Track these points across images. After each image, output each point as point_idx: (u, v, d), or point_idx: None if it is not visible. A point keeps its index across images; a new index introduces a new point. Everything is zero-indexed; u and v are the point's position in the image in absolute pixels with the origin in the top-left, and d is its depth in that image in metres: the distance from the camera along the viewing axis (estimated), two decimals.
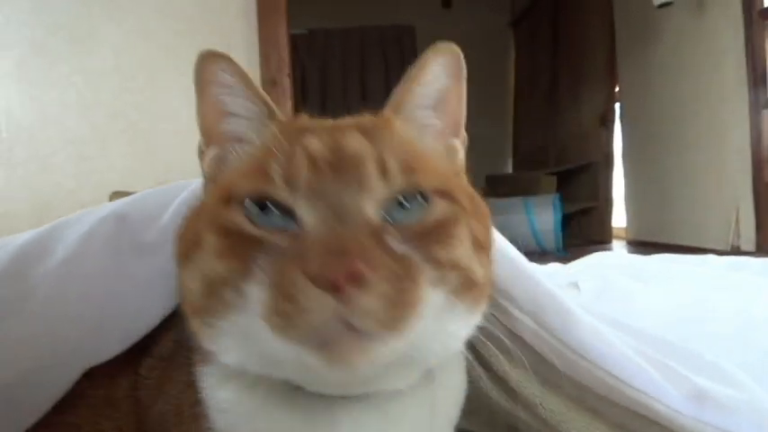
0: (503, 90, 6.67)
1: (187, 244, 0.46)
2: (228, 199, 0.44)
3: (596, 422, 0.52)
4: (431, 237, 0.42)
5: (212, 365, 0.48)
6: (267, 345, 0.39)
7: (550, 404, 0.54)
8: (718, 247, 3.64)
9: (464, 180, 0.52)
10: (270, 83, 2.97)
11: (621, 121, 4.83)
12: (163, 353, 0.55)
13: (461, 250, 0.43)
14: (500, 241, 0.55)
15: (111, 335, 0.53)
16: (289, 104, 3.04)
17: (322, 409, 0.46)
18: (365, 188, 0.42)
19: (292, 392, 0.46)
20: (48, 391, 0.50)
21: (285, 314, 0.37)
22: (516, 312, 0.53)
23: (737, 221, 3.58)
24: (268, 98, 0.51)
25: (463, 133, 0.54)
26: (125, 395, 0.53)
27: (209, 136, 0.52)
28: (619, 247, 4.90)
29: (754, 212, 3.47)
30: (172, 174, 2.91)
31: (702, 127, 3.80)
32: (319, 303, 0.36)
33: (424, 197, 0.43)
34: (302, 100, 3.08)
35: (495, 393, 0.58)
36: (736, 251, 3.57)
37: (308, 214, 0.41)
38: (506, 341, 0.47)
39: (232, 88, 0.50)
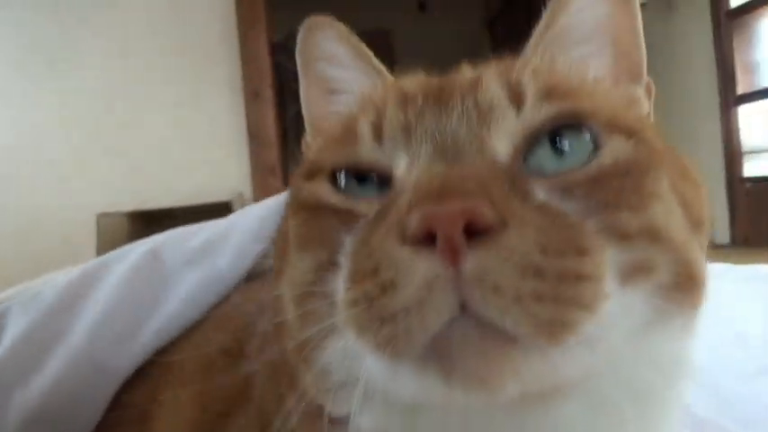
0: None
1: (279, 252, 0.35)
2: (312, 173, 0.33)
3: None
4: (608, 191, 0.27)
5: None
6: (370, 366, 0.27)
7: None
8: None
9: (657, 135, 0.36)
10: (252, 95, 2.99)
11: None
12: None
13: (663, 214, 0.29)
14: None
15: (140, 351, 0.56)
16: (271, 114, 3.06)
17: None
18: (487, 117, 0.29)
19: None
20: (91, 407, 0.53)
21: (366, 299, 0.25)
22: None
23: (712, 216, 3.69)
24: (381, 66, 0.40)
25: (646, 78, 0.40)
26: None
27: (316, 125, 0.41)
28: None
29: (727, 207, 3.59)
30: (156, 193, 2.91)
31: (675, 124, 3.91)
32: (412, 268, 0.23)
33: (595, 139, 0.29)
34: (281, 104, 3.11)
35: None
36: (711, 244, 3.68)
37: (404, 165, 0.29)
38: None
39: (339, 59, 0.39)
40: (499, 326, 0.23)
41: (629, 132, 0.30)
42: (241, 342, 0.45)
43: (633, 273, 0.26)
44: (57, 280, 0.63)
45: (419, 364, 0.25)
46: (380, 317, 0.24)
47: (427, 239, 0.23)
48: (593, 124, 0.29)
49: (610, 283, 0.25)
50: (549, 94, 0.30)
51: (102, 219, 2.49)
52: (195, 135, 2.98)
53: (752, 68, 3.39)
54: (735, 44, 3.42)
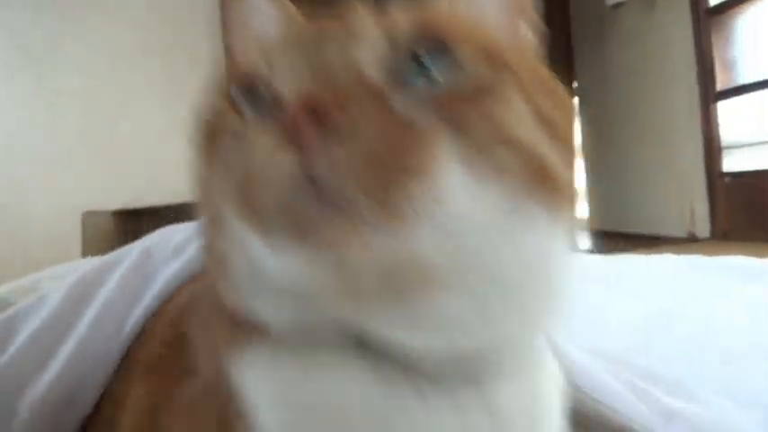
0: None
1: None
2: (215, 98, 0.37)
3: None
4: (461, 100, 0.31)
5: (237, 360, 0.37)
6: (251, 252, 0.30)
7: None
8: (676, 235, 3.82)
9: (534, 64, 0.39)
10: None
11: (580, 117, 4.99)
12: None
13: (512, 120, 0.32)
14: None
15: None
16: None
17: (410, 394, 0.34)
18: (355, 40, 0.32)
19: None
20: (88, 396, 0.56)
21: (237, 185, 0.29)
22: None
23: (693, 210, 3.76)
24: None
25: (531, 13, 0.43)
26: None
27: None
28: (582, 236, 5.07)
29: (707, 201, 3.66)
30: (142, 192, 2.92)
31: (657, 120, 3.98)
32: (276, 161, 0.27)
33: (458, 60, 0.32)
34: None
35: None
36: (692, 238, 3.76)
37: (284, 83, 0.32)
38: None
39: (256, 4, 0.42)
40: (341, 197, 0.27)
41: (491, 56, 0.33)
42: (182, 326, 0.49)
43: (483, 167, 0.30)
44: (63, 281, 0.65)
45: (285, 242, 0.28)
46: (248, 198, 0.28)
47: (284, 130, 0.27)
48: (457, 49, 0.32)
49: (454, 173, 0.29)
50: (419, 23, 0.33)
51: (88, 217, 2.49)
52: (181, 134, 2.98)
53: (730, 65, 3.46)
54: (713, 41, 3.48)
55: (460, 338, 0.32)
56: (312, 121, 0.26)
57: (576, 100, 5.05)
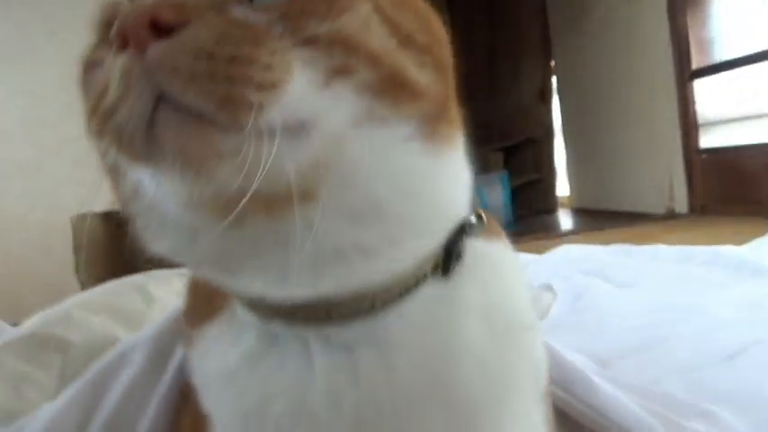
0: None
1: None
2: (88, 49, 0.38)
3: None
4: (301, 7, 0.30)
5: (194, 346, 0.41)
6: (143, 185, 0.31)
7: None
8: (655, 211, 3.92)
9: None
10: None
11: (559, 96, 5.05)
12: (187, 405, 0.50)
13: (358, 27, 0.31)
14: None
15: None
16: None
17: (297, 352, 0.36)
18: None
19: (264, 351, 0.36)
20: None
21: (93, 108, 0.29)
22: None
23: (671, 186, 3.86)
24: None
25: None
26: None
27: None
28: (564, 214, 5.16)
29: (685, 177, 3.76)
30: None
31: (635, 99, 4.05)
32: (115, 69, 0.27)
33: None
34: None
35: None
36: (671, 213, 3.86)
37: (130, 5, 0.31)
38: None
39: None
40: (185, 105, 0.26)
41: None
42: None
43: (333, 73, 0.29)
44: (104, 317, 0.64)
45: (148, 160, 0.28)
46: (103, 117, 0.28)
47: (123, 43, 0.27)
48: None
49: (300, 76, 0.28)
50: None
51: (77, 221, 2.45)
52: None
53: (706, 44, 3.52)
54: (689, 21, 3.54)
55: (334, 261, 0.32)
56: (145, 22, 0.26)
57: (554, 79, 5.10)
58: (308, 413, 0.34)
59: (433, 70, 0.35)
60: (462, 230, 0.38)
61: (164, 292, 1.12)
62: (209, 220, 0.30)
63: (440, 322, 0.36)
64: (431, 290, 0.37)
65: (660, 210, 3.91)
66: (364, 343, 0.35)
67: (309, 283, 0.33)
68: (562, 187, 5.33)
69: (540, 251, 2.17)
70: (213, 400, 0.39)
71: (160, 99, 0.26)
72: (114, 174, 0.33)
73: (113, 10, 0.35)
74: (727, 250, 1.37)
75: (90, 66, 0.36)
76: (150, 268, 2.70)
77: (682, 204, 3.82)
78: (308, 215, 0.29)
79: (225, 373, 0.37)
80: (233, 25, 0.28)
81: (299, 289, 0.33)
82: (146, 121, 0.26)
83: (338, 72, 0.30)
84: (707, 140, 3.62)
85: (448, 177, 0.36)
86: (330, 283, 0.33)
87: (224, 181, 0.27)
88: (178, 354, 0.57)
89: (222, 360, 0.38)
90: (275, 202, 0.29)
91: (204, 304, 0.41)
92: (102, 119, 0.28)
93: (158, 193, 0.30)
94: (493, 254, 0.41)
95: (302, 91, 0.28)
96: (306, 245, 0.30)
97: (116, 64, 0.27)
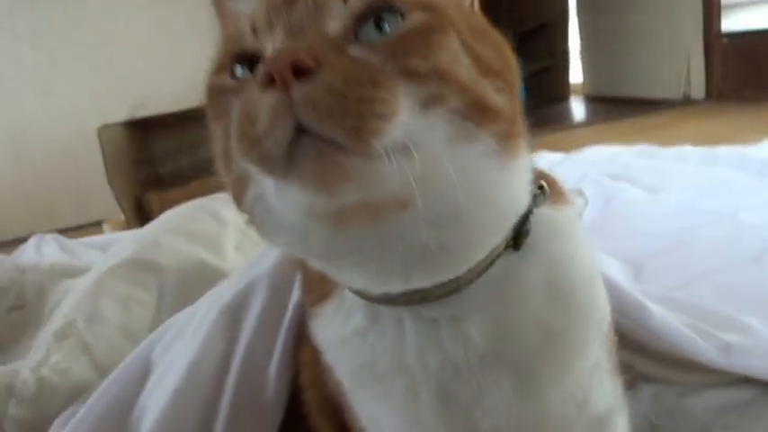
0: None
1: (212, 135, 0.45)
2: (218, 70, 0.43)
3: (670, 368, 0.77)
4: (406, 46, 0.36)
5: (315, 317, 0.50)
6: (271, 201, 0.37)
7: (636, 362, 0.76)
8: (671, 96, 3.90)
9: (471, 14, 0.46)
10: None
11: None
12: (305, 337, 0.59)
13: (450, 61, 0.37)
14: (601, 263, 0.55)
15: None
16: None
17: (395, 323, 0.45)
18: (321, 8, 0.38)
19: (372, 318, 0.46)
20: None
21: (244, 134, 0.34)
22: None
23: (689, 71, 3.81)
24: None
25: None
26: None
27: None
28: (577, 102, 5.13)
29: (703, 62, 3.70)
30: (148, 100, 2.89)
31: None
32: (264, 104, 0.33)
33: (400, 14, 0.38)
34: None
35: None
36: (687, 99, 3.85)
37: (269, 50, 0.39)
38: None
39: None
40: (322, 135, 0.32)
41: (428, 7, 0.39)
42: None
43: (429, 102, 0.35)
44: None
45: (285, 178, 0.33)
46: (252, 142, 0.33)
47: (270, 81, 0.32)
48: (398, 5, 0.38)
49: (404, 105, 0.34)
50: None
51: (106, 132, 2.50)
52: (176, 34, 2.89)
53: None
54: None
55: (421, 261, 0.39)
56: (288, 66, 0.32)
57: None
58: (404, 369, 0.44)
59: (506, 93, 0.40)
60: (530, 210, 0.44)
61: (233, 215, 1.21)
62: (322, 225, 0.36)
63: (507, 294, 0.43)
64: (502, 262, 0.43)
65: (676, 96, 3.89)
66: (446, 317, 0.44)
67: (402, 280, 0.40)
68: (575, 74, 5.25)
69: (554, 144, 2.22)
70: (333, 357, 0.50)
71: (300, 130, 0.32)
72: (243, 180, 0.39)
73: (242, 44, 0.41)
74: (753, 152, 1.42)
75: (220, 90, 0.42)
76: (174, 179, 2.78)
77: (698, 90, 3.80)
78: (402, 221, 0.36)
79: (341, 340, 0.48)
80: (357, 67, 0.34)
81: (393, 285, 0.41)
82: (286, 147, 0.32)
83: (434, 101, 0.35)
84: (728, 24, 3.52)
85: (516, 182, 0.42)
86: (419, 279, 0.41)
87: (346, 195, 0.33)
88: (294, 293, 0.67)
89: (339, 332, 0.48)
90: (377, 210, 0.35)
91: (317, 287, 0.51)
92: (251, 144, 0.34)
93: (281, 201, 0.36)
94: (556, 220, 0.47)
95: (406, 118, 0.34)
96: (399, 246, 0.38)
97: (264, 100, 0.33)
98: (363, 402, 0.50)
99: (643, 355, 0.78)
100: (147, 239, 1.06)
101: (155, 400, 0.67)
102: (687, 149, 1.59)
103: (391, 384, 0.46)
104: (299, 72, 0.32)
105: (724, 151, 1.48)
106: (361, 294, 0.45)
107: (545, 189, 0.47)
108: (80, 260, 1.64)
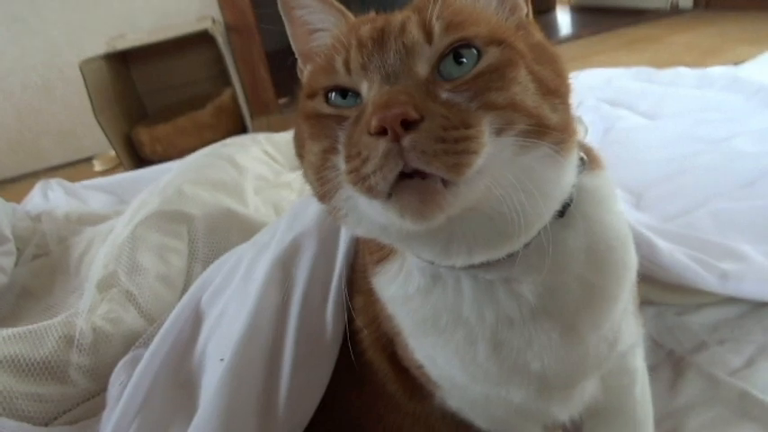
0: None
1: (298, 143, 0.52)
2: (312, 94, 0.49)
3: (671, 293, 0.86)
4: (485, 82, 0.42)
5: (377, 274, 0.57)
6: (362, 207, 0.43)
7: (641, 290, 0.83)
8: (659, 6, 3.85)
9: (530, 32, 0.51)
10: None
11: None
12: (356, 286, 0.68)
13: (520, 92, 0.43)
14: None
15: None
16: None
17: (454, 286, 0.52)
18: (411, 52, 0.44)
19: (434, 280, 0.53)
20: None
21: (355, 169, 0.40)
22: None
23: None
24: (342, 7, 0.55)
25: None
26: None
27: (305, 55, 0.57)
28: (563, 13, 5.02)
29: None
30: (123, 24, 2.79)
31: None
32: (375, 148, 0.38)
33: (478, 51, 0.44)
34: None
35: None
36: (674, 8, 3.80)
37: (366, 87, 0.44)
38: None
39: (311, 7, 0.55)
40: (427, 173, 0.38)
41: (500, 42, 0.45)
42: None
43: (503, 128, 0.41)
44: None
45: (385, 204, 0.40)
46: (363, 177, 0.39)
47: (382, 131, 0.38)
48: (476, 43, 0.45)
49: (488, 137, 0.40)
50: (448, 28, 0.45)
51: (85, 65, 2.42)
52: None
53: None
54: None
55: (485, 246, 0.46)
56: (398, 121, 0.38)
57: None
58: (463, 322, 0.52)
59: (561, 107, 0.46)
60: (573, 183, 0.50)
61: (248, 161, 1.24)
62: (409, 226, 0.42)
63: (554, 258, 0.49)
64: (548, 229, 0.48)
65: (664, 5, 3.84)
66: (500, 279, 0.50)
67: (466, 257, 0.47)
68: None
69: None
70: (395, 310, 0.57)
71: (404, 168, 0.38)
72: (335, 185, 0.45)
73: (335, 77, 0.47)
74: (746, 73, 1.46)
75: (317, 115, 0.48)
76: (163, 110, 2.74)
77: (686, 0, 3.74)
78: (469, 220, 0.44)
79: (404, 297, 0.55)
80: (452, 112, 0.40)
81: (458, 260, 0.47)
82: (392, 182, 0.39)
83: (506, 127, 0.41)
84: None
85: (568, 173, 0.48)
86: (481, 256, 0.47)
87: (436, 222, 0.40)
88: (341, 245, 0.72)
89: (402, 289, 0.55)
90: (459, 218, 0.42)
91: (378, 249, 0.58)
92: (361, 178, 0.40)
93: (374, 212, 0.42)
94: (594, 186, 0.53)
95: (490, 147, 0.40)
96: (466, 236, 0.45)
97: (377, 146, 0.39)
98: (423, 346, 0.57)
99: (648, 284, 0.87)
100: (171, 190, 1.09)
101: (218, 347, 0.74)
102: (682, 71, 1.62)
103: (452, 334, 0.53)
104: (407, 124, 0.38)
105: (718, 73, 1.51)
106: (428, 261, 0.51)
107: (584, 160, 0.53)
108: (88, 204, 1.67)
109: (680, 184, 1.15)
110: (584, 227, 0.51)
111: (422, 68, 0.44)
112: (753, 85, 1.37)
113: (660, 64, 1.95)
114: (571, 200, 0.50)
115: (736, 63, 1.83)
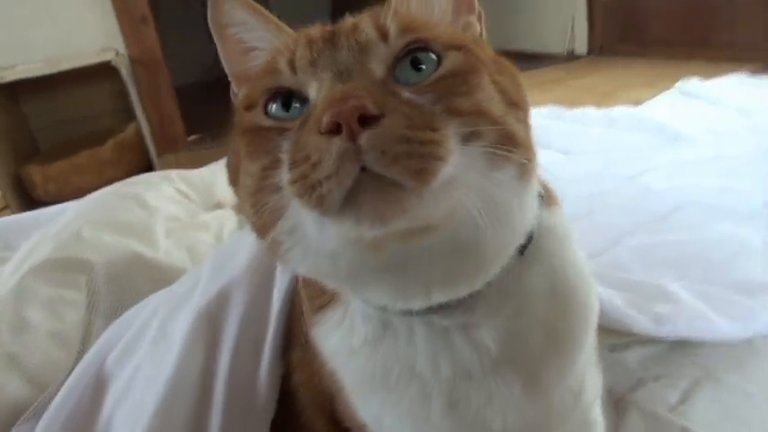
0: None
1: (232, 169, 0.46)
2: (249, 105, 0.44)
3: (607, 334, 0.84)
4: (448, 87, 0.39)
5: (317, 324, 0.51)
6: (309, 231, 0.38)
7: None
8: (556, 51, 4.12)
9: (486, 47, 0.47)
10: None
11: None
12: (294, 338, 0.62)
13: (486, 99, 0.39)
14: None
15: None
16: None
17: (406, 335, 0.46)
18: (365, 50, 0.40)
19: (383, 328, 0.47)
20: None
21: (303, 176, 0.35)
22: None
23: (573, 28, 4.02)
24: (281, 23, 0.50)
25: (478, 8, 0.51)
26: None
27: (239, 77, 0.51)
28: None
29: (587, 20, 3.92)
30: (15, 54, 2.57)
31: None
32: (328, 149, 0.34)
33: (438, 56, 0.41)
34: None
35: None
36: (571, 54, 4.08)
37: (315, 89, 0.40)
38: None
39: (247, 24, 0.50)
40: (387, 177, 0.33)
41: (460, 48, 0.42)
42: None
43: (470, 137, 0.37)
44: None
45: (339, 215, 0.35)
46: (313, 185, 0.34)
47: (336, 129, 0.34)
48: (434, 46, 0.41)
49: (454, 144, 0.36)
50: (404, 30, 0.42)
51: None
52: None
53: None
54: None
55: (441, 281, 0.42)
56: (355, 115, 0.33)
57: None
58: (416, 376, 0.46)
59: (525, 123, 0.43)
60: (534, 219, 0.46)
61: (158, 200, 1.13)
62: (358, 251, 0.38)
63: (516, 300, 0.46)
64: (507, 269, 0.44)
65: (561, 51, 4.11)
66: (457, 325, 0.45)
67: (423, 298, 0.42)
68: None
69: None
70: (340, 365, 0.50)
71: (362, 171, 0.33)
72: (276, 213, 0.39)
73: (279, 84, 0.42)
74: (647, 114, 1.55)
75: (255, 129, 0.42)
76: (59, 147, 2.52)
77: (582, 46, 4.02)
78: (430, 243, 0.38)
79: (348, 350, 0.48)
80: (416, 112, 0.36)
81: (415, 302, 0.43)
82: (347, 189, 0.34)
83: (474, 136, 0.37)
84: None
85: (530, 201, 0.44)
86: (439, 296, 0.42)
87: (397, 226, 0.35)
88: (275, 294, 0.64)
89: (346, 341, 0.48)
90: (410, 235, 0.37)
91: (319, 295, 0.51)
92: (310, 187, 0.35)
93: (321, 232, 0.37)
94: (553, 223, 0.50)
95: (458, 155, 0.36)
96: (424, 266, 0.40)
97: (330, 147, 0.34)
98: (369, 404, 0.50)
99: None
100: (67, 234, 0.96)
101: (127, 420, 0.64)
102: (589, 111, 1.70)
103: (403, 391, 0.47)
104: (364, 120, 0.33)
105: (622, 113, 1.60)
106: (376, 307, 0.46)
107: (542, 195, 0.49)
108: None
109: (597, 221, 1.17)
110: (547, 266, 0.48)
111: (377, 68, 0.40)
112: (656, 123, 1.46)
113: (566, 104, 2.02)
114: (531, 236, 0.46)
115: (635, 104, 1.96)
